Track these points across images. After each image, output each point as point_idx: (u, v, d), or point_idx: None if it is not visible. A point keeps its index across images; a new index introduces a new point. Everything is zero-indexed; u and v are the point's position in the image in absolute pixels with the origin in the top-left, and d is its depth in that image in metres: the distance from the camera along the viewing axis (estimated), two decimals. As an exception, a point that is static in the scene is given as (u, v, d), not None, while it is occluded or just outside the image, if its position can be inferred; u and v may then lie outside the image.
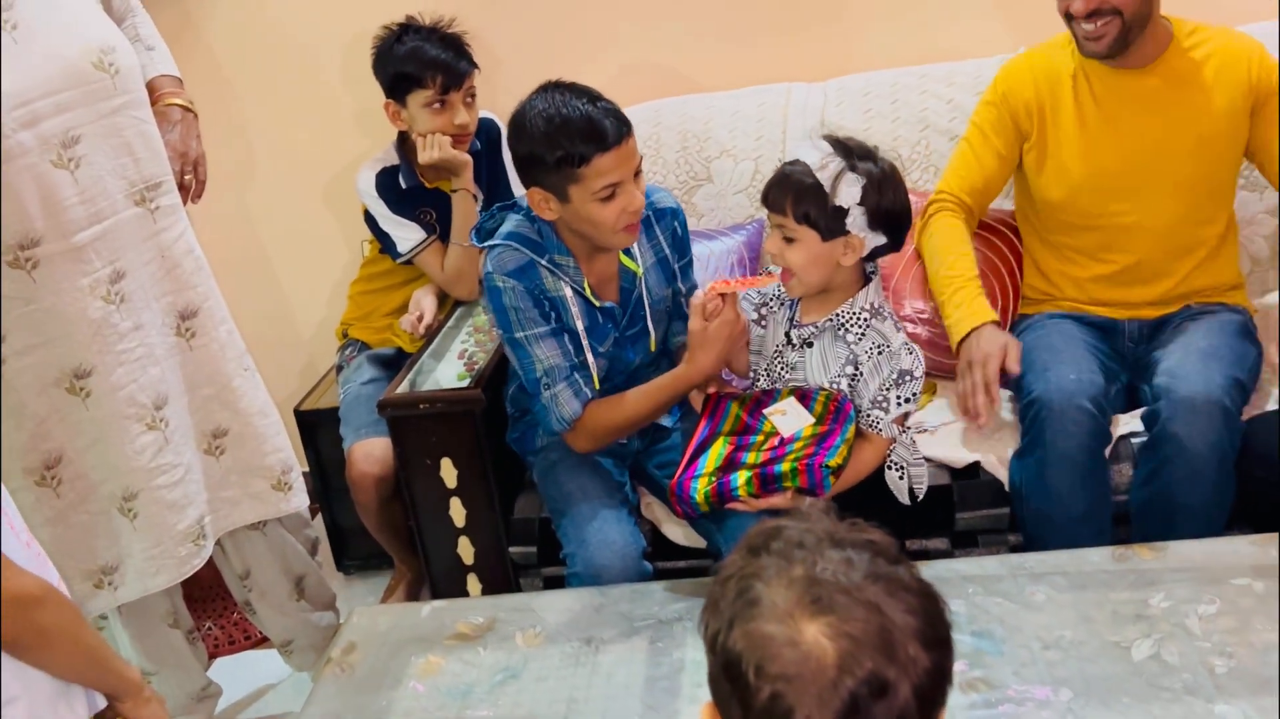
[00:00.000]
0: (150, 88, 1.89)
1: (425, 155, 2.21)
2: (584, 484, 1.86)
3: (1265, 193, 2.18)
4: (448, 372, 2.08)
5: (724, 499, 1.63)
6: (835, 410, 1.66)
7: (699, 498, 1.64)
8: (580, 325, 1.80)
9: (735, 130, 2.42)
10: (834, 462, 1.59)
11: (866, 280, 1.71)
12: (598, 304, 1.82)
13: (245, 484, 1.94)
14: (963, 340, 1.94)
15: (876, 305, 1.70)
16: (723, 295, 1.69)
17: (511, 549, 2.04)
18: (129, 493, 1.76)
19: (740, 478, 1.62)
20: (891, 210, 1.63)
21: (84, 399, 1.69)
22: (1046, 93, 2.04)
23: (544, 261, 1.77)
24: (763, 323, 1.79)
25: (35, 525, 1.72)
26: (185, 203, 1.89)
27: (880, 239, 1.64)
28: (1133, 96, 1.98)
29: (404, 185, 2.29)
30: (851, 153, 1.63)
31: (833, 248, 1.64)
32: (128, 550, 1.80)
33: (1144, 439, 1.85)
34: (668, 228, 1.88)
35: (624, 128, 1.65)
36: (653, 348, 1.91)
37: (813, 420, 1.66)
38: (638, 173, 1.70)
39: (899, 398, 1.68)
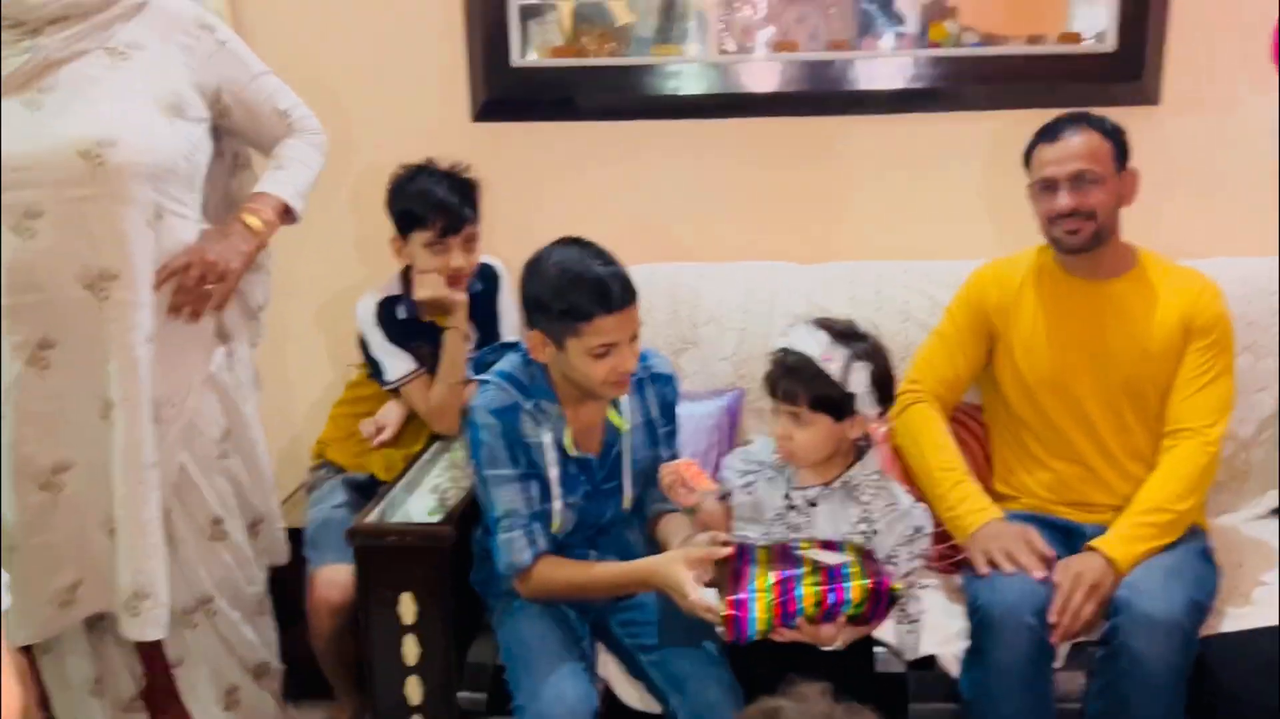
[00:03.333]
0: (247, 199, 2.02)
1: (420, 292, 2.27)
2: (543, 634, 1.85)
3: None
4: (419, 505, 2.09)
5: (786, 618, 1.62)
6: (864, 553, 1.71)
7: (759, 613, 1.61)
8: (554, 474, 1.83)
9: (724, 301, 2.51)
10: (897, 585, 1.65)
11: (858, 446, 1.80)
12: (575, 454, 1.85)
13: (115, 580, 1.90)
14: (974, 534, 2.00)
15: (880, 468, 1.80)
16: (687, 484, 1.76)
17: (460, 694, 2.00)
18: (10, 544, 1.84)
19: (806, 594, 1.61)
20: (886, 382, 1.76)
21: None
22: (1011, 296, 2.17)
23: (528, 405, 1.82)
24: (748, 490, 1.83)
25: None
26: (196, 310, 1.90)
27: (879, 408, 1.76)
28: (1088, 305, 2.11)
29: (402, 316, 2.33)
30: (849, 338, 1.73)
31: (843, 426, 1.75)
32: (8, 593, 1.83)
33: (1102, 650, 1.88)
34: (659, 393, 1.93)
35: (630, 294, 1.74)
36: (626, 505, 1.93)
37: (850, 559, 1.68)
38: (634, 336, 1.77)
39: (910, 554, 1.75)
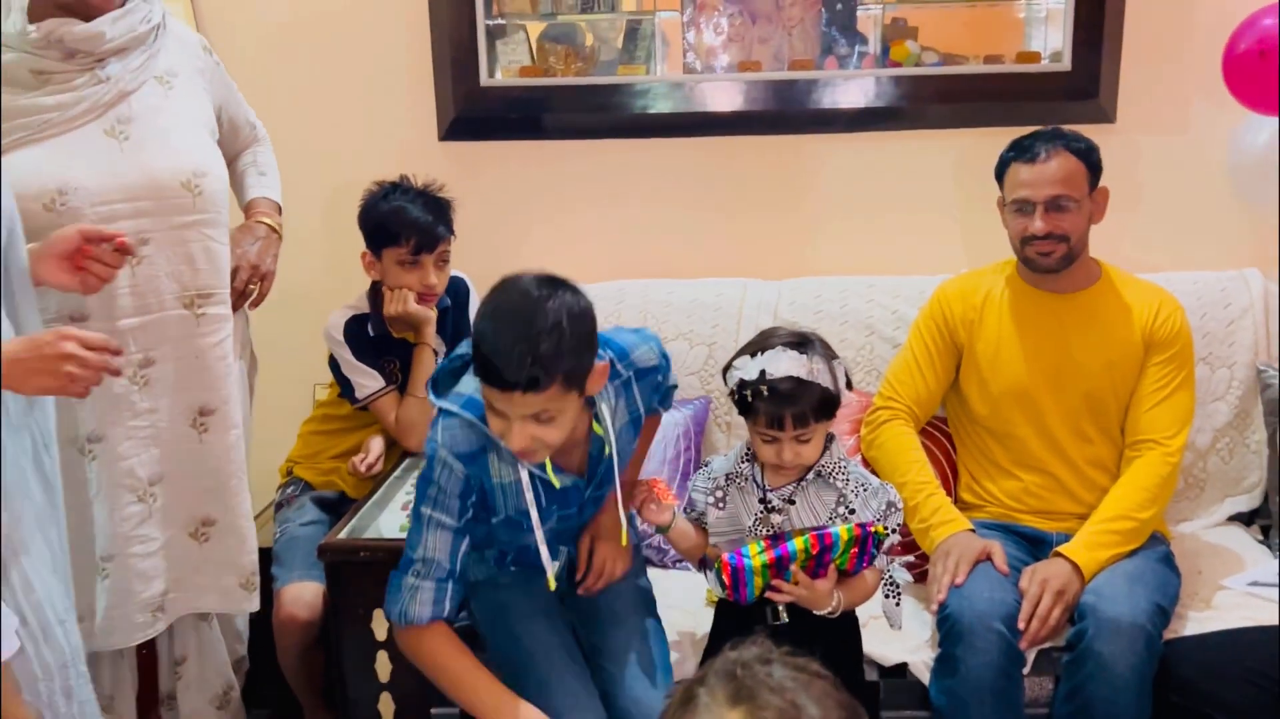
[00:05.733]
0: (250, 205, 2.23)
1: (390, 308, 2.28)
2: (545, 640, 1.80)
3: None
4: (390, 521, 2.08)
5: (781, 566, 1.68)
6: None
7: (754, 563, 1.67)
8: (534, 511, 1.69)
9: (693, 316, 2.54)
10: (879, 528, 1.72)
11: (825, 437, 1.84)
12: (558, 485, 1.71)
13: (218, 575, 2.05)
14: (939, 544, 2.03)
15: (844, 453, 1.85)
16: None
17: (434, 710, 2.00)
18: (106, 554, 1.93)
19: (797, 543, 1.68)
20: (843, 367, 1.80)
21: (89, 461, 1.91)
22: (976, 309, 2.21)
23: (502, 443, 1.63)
24: (720, 505, 1.84)
25: None
26: (248, 307, 2.15)
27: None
28: (1052, 317, 2.15)
29: (372, 333, 2.33)
30: (805, 346, 1.75)
31: (830, 423, 1.80)
32: (96, 603, 1.94)
33: (1068, 655, 1.91)
34: (649, 383, 1.82)
35: (521, 381, 1.51)
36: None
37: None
38: (539, 418, 1.57)
39: (889, 529, 1.78)
